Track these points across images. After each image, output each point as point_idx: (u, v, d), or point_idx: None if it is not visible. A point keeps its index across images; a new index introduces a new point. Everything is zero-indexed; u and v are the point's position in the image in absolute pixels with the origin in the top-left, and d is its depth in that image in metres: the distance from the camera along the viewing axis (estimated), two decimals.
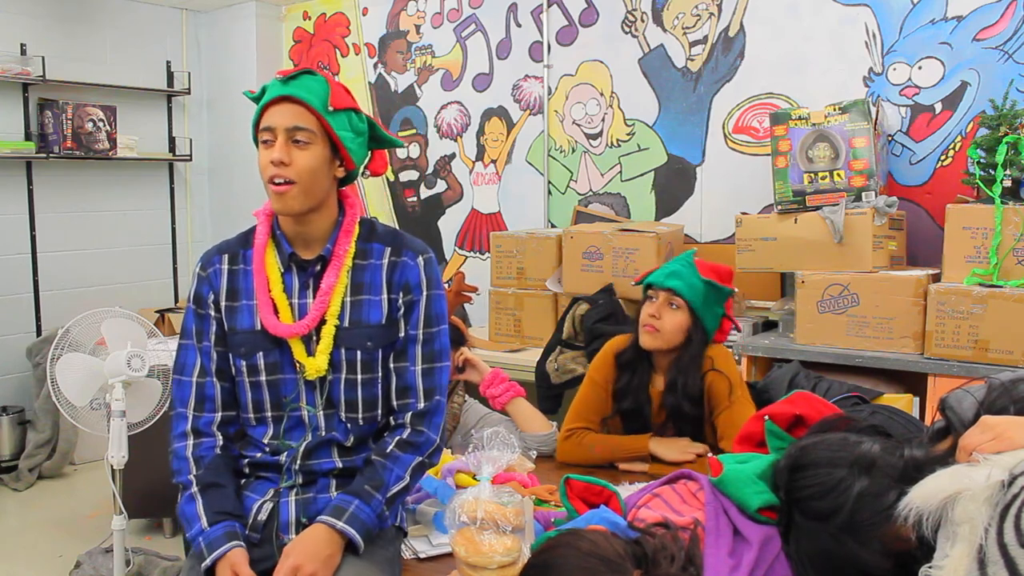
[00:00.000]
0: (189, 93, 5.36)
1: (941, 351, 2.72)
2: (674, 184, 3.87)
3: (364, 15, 4.94)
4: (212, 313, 1.69)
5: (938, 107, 3.20)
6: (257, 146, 1.64)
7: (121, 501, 2.69)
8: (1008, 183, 2.71)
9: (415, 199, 4.79)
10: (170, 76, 5.31)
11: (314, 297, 1.65)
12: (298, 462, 1.66)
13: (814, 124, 3.02)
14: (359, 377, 1.66)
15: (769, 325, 3.35)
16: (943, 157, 3.21)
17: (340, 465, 1.67)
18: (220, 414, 1.70)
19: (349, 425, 1.67)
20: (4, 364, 4.68)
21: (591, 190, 4.13)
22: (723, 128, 3.71)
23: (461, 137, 4.58)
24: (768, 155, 3.17)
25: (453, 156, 4.63)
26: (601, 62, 4.04)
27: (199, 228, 5.56)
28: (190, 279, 1.76)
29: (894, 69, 3.28)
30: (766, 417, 1.60)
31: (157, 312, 5.06)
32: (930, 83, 3.21)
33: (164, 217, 5.40)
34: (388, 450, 1.64)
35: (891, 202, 2.93)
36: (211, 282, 1.70)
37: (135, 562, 3.16)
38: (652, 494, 1.60)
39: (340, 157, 1.65)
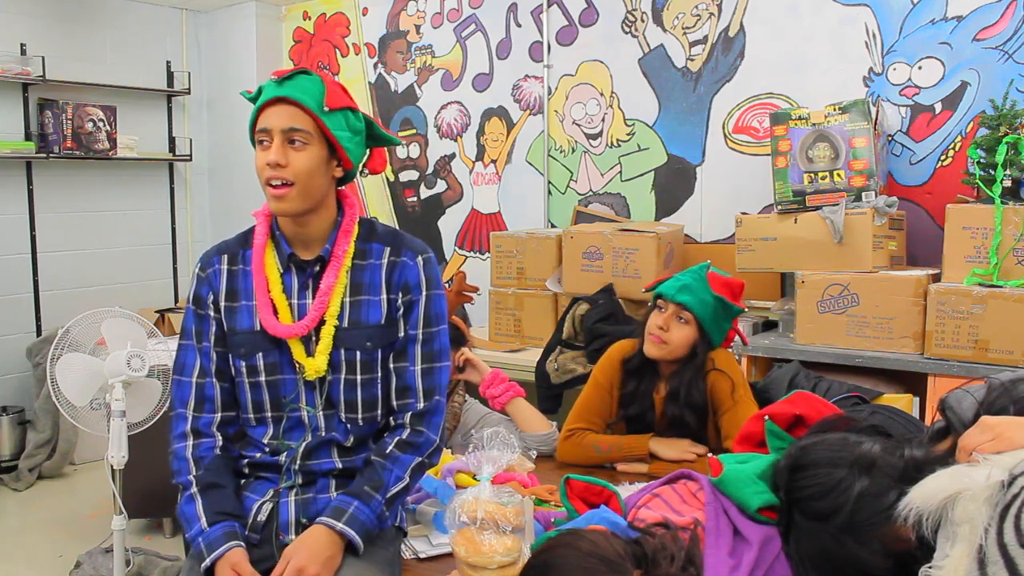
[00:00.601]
0: (189, 93, 5.36)
1: (941, 351, 2.72)
2: (674, 184, 3.87)
3: (364, 15, 4.94)
4: (211, 313, 1.69)
5: (938, 107, 3.20)
6: (254, 147, 1.63)
7: (121, 501, 2.69)
8: (1008, 183, 2.71)
9: (415, 199, 4.79)
10: (170, 76, 5.31)
11: (313, 298, 1.65)
12: (298, 462, 1.66)
13: (814, 124, 3.02)
14: (359, 377, 1.66)
15: (769, 325, 3.35)
16: (943, 157, 3.21)
17: (340, 465, 1.67)
18: (220, 414, 1.70)
19: (349, 425, 1.67)
20: (4, 364, 4.68)
21: (591, 190, 4.13)
22: (723, 128, 3.71)
23: (461, 137, 4.58)
24: (768, 155, 3.17)
25: (453, 156, 4.63)
26: (601, 62, 4.04)
27: (199, 228, 5.56)
28: (190, 279, 1.76)
29: (894, 69, 3.28)
30: (766, 417, 1.60)
31: (157, 312, 5.06)
32: (930, 83, 3.21)
33: (164, 217, 5.40)
34: (387, 451, 1.64)
35: (891, 202, 2.93)
36: (210, 282, 1.70)
37: (135, 562, 3.16)
38: (652, 494, 1.60)
39: (337, 157, 1.64)
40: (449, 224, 4.68)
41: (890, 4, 3.27)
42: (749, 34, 3.61)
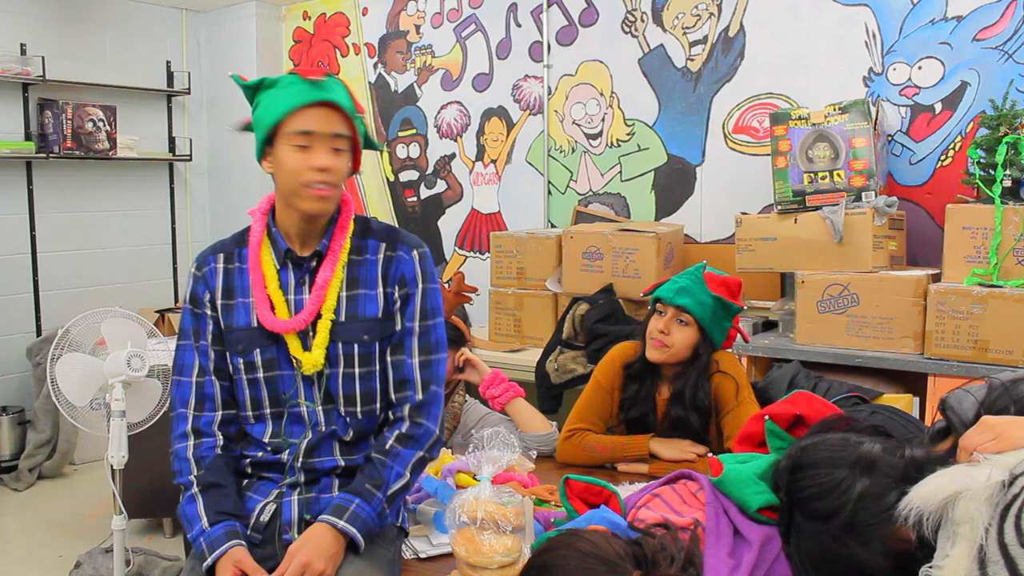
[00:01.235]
0: (189, 93, 5.36)
1: (941, 351, 2.72)
2: (674, 184, 3.87)
3: (364, 15, 4.94)
4: (208, 312, 1.70)
5: (938, 107, 3.20)
6: (266, 143, 1.61)
7: (121, 501, 2.69)
8: (1008, 183, 2.71)
9: (415, 199, 4.79)
10: (170, 76, 5.31)
11: (309, 293, 1.66)
12: (300, 460, 1.66)
13: (814, 124, 3.02)
14: (356, 371, 1.67)
15: (769, 325, 3.35)
16: (943, 157, 3.21)
17: (342, 463, 1.68)
18: (220, 413, 1.71)
19: (348, 419, 1.68)
20: (4, 364, 4.68)
21: (591, 190, 4.13)
22: (723, 128, 3.71)
23: (461, 137, 4.58)
24: (768, 155, 3.17)
25: (453, 156, 4.63)
26: (601, 62, 4.04)
27: (199, 228, 5.56)
28: (187, 279, 1.77)
29: (894, 69, 3.28)
30: (766, 417, 1.60)
31: (157, 312, 5.06)
32: (930, 83, 3.21)
33: (164, 217, 5.40)
34: (387, 446, 1.65)
35: (891, 202, 2.93)
36: (206, 281, 1.71)
37: (135, 562, 3.16)
38: (652, 494, 1.60)
39: (353, 159, 1.67)
40: (449, 224, 4.68)
41: (890, 4, 3.27)
42: (749, 34, 3.61)
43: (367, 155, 1.84)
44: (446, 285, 2.73)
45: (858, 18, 3.34)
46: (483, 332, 3.93)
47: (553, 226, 4.24)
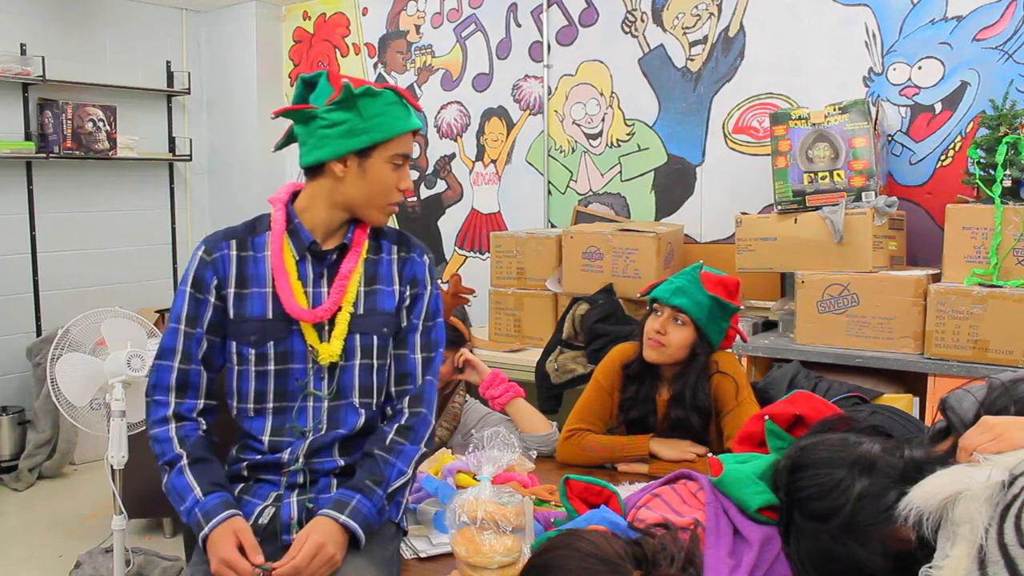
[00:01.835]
0: (189, 93, 5.36)
1: (941, 351, 2.72)
2: (674, 184, 3.87)
3: (364, 15, 4.94)
4: (211, 299, 1.68)
5: (938, 107, 3.20)
6: (358, 151, 1.64)
7: (121, 501, 2.69)
8: (1008, 183, 2.71)
9: (415, 199, 4.79)
10: (170, 76, 5.31)
11: (328, 286, 1.69)
12: (301, 460, 1.65)
13: (814, 124, 3.02)
14: (375, 362, 1.71)
15: (769, 325, 3.35)
16: (943, 157, 3.21)
17: (342, 463, 1.68)
18: (203, 402, 1.70)
19: (363, 411, 1.69)
20: (4, 364, 4.68)
21: (591, 190, 4.13)
22: (723, 128, 3.71)
23: (461, 137, 4.58)
24: (768, 155, 3.17)
25: (453, 156, 4.63)
26: (601, 62, 4.04)
27: (199, 228, 5.55)
28: (190, 262, 1.73)
29: (894, 69, 3.29)
30: (766, 417, 1.60)
31: (157, 312, 5.05)
32: (930, 83, 3.21)
33: (164, 217, 5.40)
34: (388, 441, 1.67)
35: (891, 202, 2.93)
36: (216, 267, 1.68)
37: (135, 562, 3.16)
38: (652, 494, 1.60)
39: None
40: (449, 224, 4.68)
41: (890, 4, 3.27)
42: (749, 34, 3.61)
43: None
44: (443, 287, 2.73)
45: (858, 18, 3.34)
46: (483, 332, 3.93)
47: (553, 226, 4.24)
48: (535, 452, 1.97)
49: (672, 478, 1.64)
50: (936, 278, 2.85)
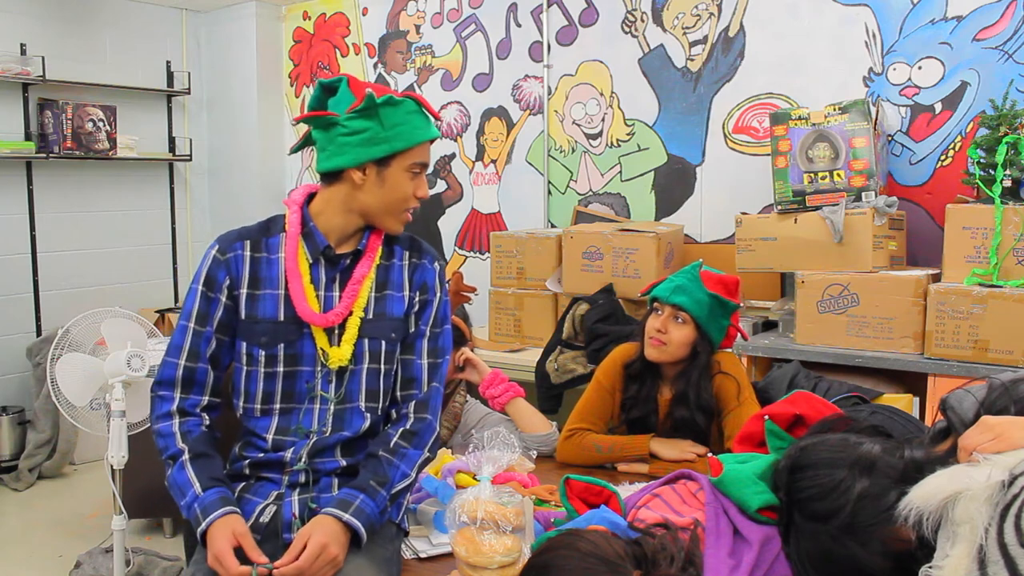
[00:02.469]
0: (189, 93, 5.36)
1: (941, 351, 2.72)
2: (674, 184, 3.87)
3: (364, 15, 4.94)
4: (223, 298, 1.68)
5: (938, 107, 3.20)
6: (377, 159, 1.65)
7: (121, 501, 2.69)
8: (1008, 183, 2.71)
9: None
10: (170, 76, 5.31)
11: (340, 291, 1.69)
12: (304, 460, 1.66)
13: (814, 124, 3.02)
14: (382, 367, 1.71)
15: (769, 325, 3.35)
16: (943, 157, 3.21)
17: (344, 463, 1.69)
18: (207, 398, 1.71)
19: (368, 415, 1.70)
20: (4, 364, 4.68)
21: (591, 190, 4.13)
22: (723, 128, 3.71)
23: (461, 137, 4.58)
24: (768, 155, 3.17)
25: (453, 156, 4.63)
26: (601, 62, 4.04)
27: (199, 228, 5.56)
28: (202, 260, 1.72)
29: (894, 69, 3.29)
30: (766, 417, 1.60)
31: (157, 312, 5.06)
32: (930, 83, 3.21)
33: (164, 217, 5.40)
34: (392, 444, 1.67)
35: (891, 202, 2.93)
36: (229, 267, 1.69)
37: (135, 562, 3.16)
38: (652, 494, 1.60)
39: None
40: (449, 224, 4.68)
41: (890, 4, 3.27)
42: (749, 34, 3.61)
43: None
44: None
45: (858, 18, 3.34)
46: (483, 332, 3.93)
47: (553, 226, 4.24)
48: (535, 452, 1.97)
49: (672, 478, 1.64)
50: (936, 278, 2.85)
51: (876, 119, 3.01)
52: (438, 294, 1.79)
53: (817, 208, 3.00)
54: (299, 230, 1.70)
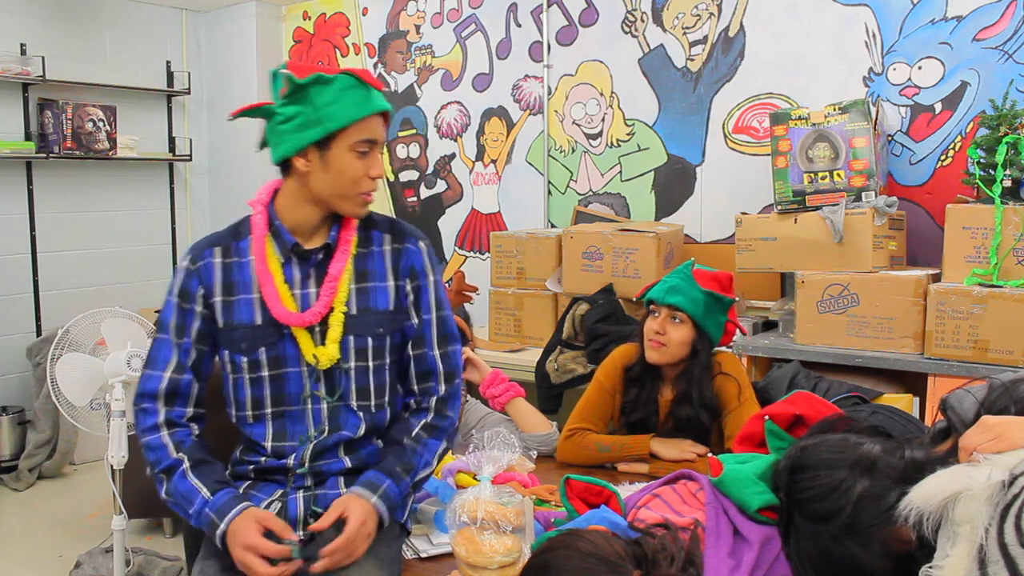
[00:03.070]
0: (189, 93, 5.36)
1: (941, 351, 2.72)
2: (674, 184, 3.87)
3: (364, 15, 4.94)
4: (198, 309, 1.64)
5: (938, 107, 3.20)
6: (316, 143, 1.57)
7: (121, 501, 2.69)
8: (1008, 183, 2.71)
9: (415, 199, 4.79)
10: (170, 76, 5.31)
11: (317, 287, 1.64)
12: (307, 464, 1.64)
13: (814, 124, 3.02)
14: (370, 364, 1.67)
15: (769, 325, 3.35)
16: (943, 157, 3.21)
17: (349, 463, 1.67)
18: (192, 410, 1.67)
19: (362, 414, 1.67)
20: (4, 364, 4.68)
21: (591, 190, 4.13)
22: (723, 128, 3.71)
23: (461, 137, 4.58)
24: (768, 155, 3.17)
25: (453, 156, 4.63)
26: (601, 62, 4.04)
27: (199, 228, 5.55)
28: (176, 272, 1.71)
29: (894, 69, 3.28)
30: (766, 417, 1.60)
31: (157, 312, 5.04)
32: (930, 83, 3.21)
33: (164, 217, 5.40)
34: (415, 433, 1.68)
35: (891, 202, 2.93)
36: (201, 276, 1.65)
37: (135, 562, 3.16)
38: (652, 494, 1.60)
39: None
40: (449, 224, 4.68)
41: (890, 4, 3.27)
42: (749, 34, 3.61)
43: None
44: (447, 284, 2.73)
45: (858, 18, 3.34)
46: (483, 332, 3.93)
47: (553, 226, 4.24)
48: (535, 452, 1.97)
49: (672, 478, 1.64)
50: (936, 278, 2.85)
51: (876, 119, 3.01)
52: (431, 276, 1.71)
53: (817, 208, 3.00)
54: (265, 230, 1.64)
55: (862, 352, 2.85)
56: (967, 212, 2.76)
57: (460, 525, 1.51)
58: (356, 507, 1.54)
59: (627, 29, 3.95)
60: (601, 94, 4.06)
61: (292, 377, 1.65)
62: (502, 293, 3.84)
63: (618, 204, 4.04)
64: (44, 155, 4.63)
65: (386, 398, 1.70)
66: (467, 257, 4.61)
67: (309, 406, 1.65)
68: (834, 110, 3.00)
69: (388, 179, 4.89)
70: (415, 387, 1.72)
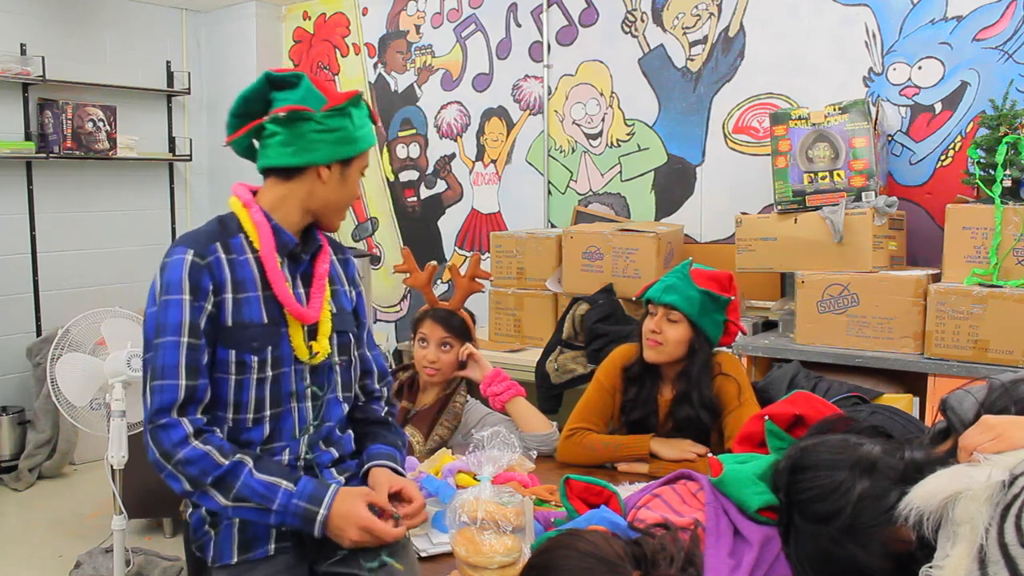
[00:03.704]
0: (189, 93, 5.36)
1: (941, 351, 2.72)
2: (674, 184, 3.87)
3: (364, 15, 4.94)
4: (208, 306, 1.56)
5: (938, 107, 3.20)
6: (342, 160, 1.65)
7: (121, 501, 2.69)
8: (1008, 183, 2.71)
9: (415, 199, 4.79)
10: (170, 76, 5.31)
11: (305, 287, 1.69)
12: (302, 459, 1.67)
13: (814, 124, 3.02)
14: (351, 357, 1.78)
15: (769, 325, 3.35)
16: (943, 157, 3.21)
17: (336, 454, 1.73)
18: (208, 415, 1.59)
19: (346, 405, 1.77)
20: (4, 364, 4.68)
21: (591, 190, 4.12)
22: (723, 128, 3.71)
23: (461, 137, 4.58)
24: (768, 155, 3.17)
25: (453, 156, 4.63)
26: (601, 62, 4.04)
27: None
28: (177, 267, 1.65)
29: (894, 69, 3.28)
30: (766, 417, 1.60)
31: None
32: (930, 83, 3.21)
33: (164, 217, 5.40)
34: (384, 414, 1.84)
35: (891, 202, 2.93)
36: (212, 271, 1.57)
37: (135, 562, 3.16)
38: (652, 494, 1.60)
39: None
40: (449, 224, 4.68)
41: (890, 4, 3.27)
42: (749, 34, 3.61)
43: None
44: (460, 271, 2.73)
45: (858, 18, 3.34)
46: (483, 332, 3.92)
47: (553, 226, 4.24)
48: (535, 452, 1.97)
49: (672, 478, 1.64)
50: (936, 278, 2.85)
51: (876, 119, 3.01)
52: (362, 287, 1.87)
53: (817, 208, 3.00)
54: (269, 230, 1.63)
55: (862, 352, 2.85)
56: (967, 212, 2.76)
57: (460, 525, 1.51)
58: (401, 479, 1.67)
59: (627, 29, 3.95)
60: (601, 94, 4.06)
61: (286, 376, 1.65)
62: (502, 293, 3.84)
63: (618, 204, 4.04)
64: (44, 155, 4.63)
65: (354, 391, 1.81)
66: (467, 257, 4.61)
67: (297, 403, 1.67)
68: (834, 110, 3.00)
69: (388, 179, 4.89)
70: (363, 382, 1.85)
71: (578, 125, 4.14)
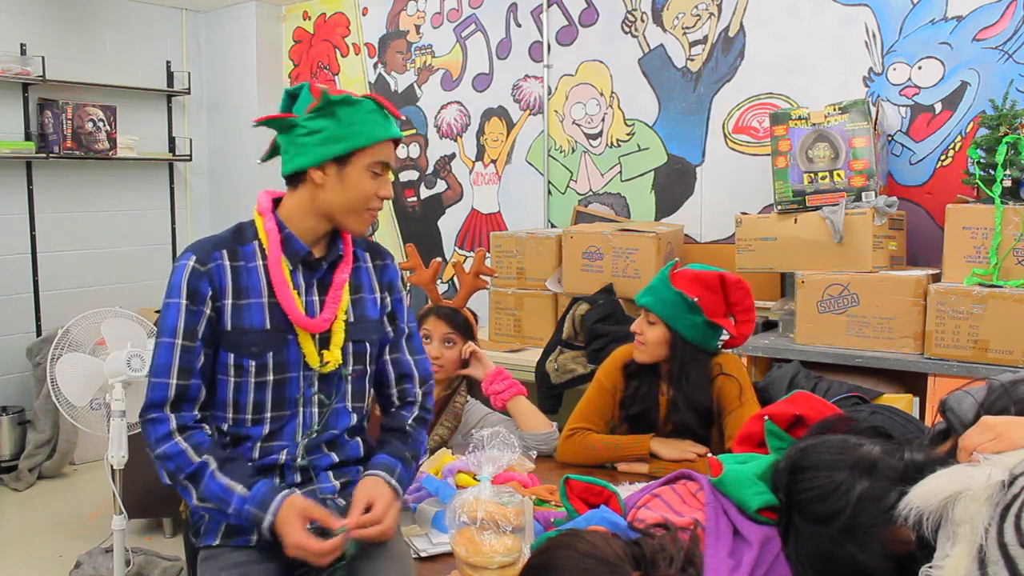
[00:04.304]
0: (189, 93, 5.36)
1: (941, 351, 2.72)
2: (674, 184, 3.87)
3: (364, 15, 4.94)
4: (207, 310, 1.63)
5: (938, 107, 3.20)
6: (336, 158, 1.63)
7: (121, 501, 2.69)
8: (1008, 183, 2.71)
9: (415, 199, 4.79)
10: (170, 76, 5.31)
11: (320, 295, 1.70)
12: (298, 461, 1.68)
13: (814, 124, 3.02)
14: (367, 368, 1.77)
15: (769, 325, 3.35)
16: (943, 157, 3.21)
17: (336, 459, 1.73)
18: (199, 413, 1.66)
19: (356, 415, 1.76)
20: (4, 364, 4.68)
21: (591, 190, 4.13)
22: (723, 128, 3.71)
23: (461, 137, 4.58)
24: (768, 155, 3.17)
25: (453, 156, 4.63)
26: (601, 62, 4.04)
27: (199, 228, 5.56)
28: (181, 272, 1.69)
29: (894, 69, 3.28)
30: (766, 417, 1.60)
31: (157, 312, 5.04)
32: (930, 83, 3.21)
33: (164, 217, 5.40)
34: (408, 425, 1.80)
35: (891, 202, 2.93)
36: (212, 278, 1.64)
37: (135, 562, 3.16)
38: (652, 494, 1.60)
39: None
40: (449, 224, 4.68)
41: (890, 4, 3.27)
42: (749, 34, 3.61)
43: None
44: (465, 268, 2.74)
45: (858, 18, 3.34)
46: (483, 332, 3.92)
47: (553, 226, 4.24)
48: (535, 451, 1.97)
49: (672, 478, 1.64)
50: (936, 278, 2.85)
51: (876, 119, 3.01)
52: (403, 292, 1.87)
53: (817, 208, 3.00)
54: (279, 237, 1.67)
55: (862, 352, 2.85)
56: (967, 212, 2.76)
57: (460, 525, 1.51)
58: (382, 490, 1.62)
59: (627, 29, 3.95)
60: (601, 94, 4.06)
61: (292, 381, 1.68)
62: (502, 293, 3.84)
63: (618, 204, 4.04)
64: (44, 155, 4.64)
65: (367, 401, 1.81)
66: (467, 257, 4.61)
67: (305, 409, 1.69)
68: (834, 110, 3.00)
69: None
70: (393, 389, 1.83)
71: (578, 125, 4.14)
